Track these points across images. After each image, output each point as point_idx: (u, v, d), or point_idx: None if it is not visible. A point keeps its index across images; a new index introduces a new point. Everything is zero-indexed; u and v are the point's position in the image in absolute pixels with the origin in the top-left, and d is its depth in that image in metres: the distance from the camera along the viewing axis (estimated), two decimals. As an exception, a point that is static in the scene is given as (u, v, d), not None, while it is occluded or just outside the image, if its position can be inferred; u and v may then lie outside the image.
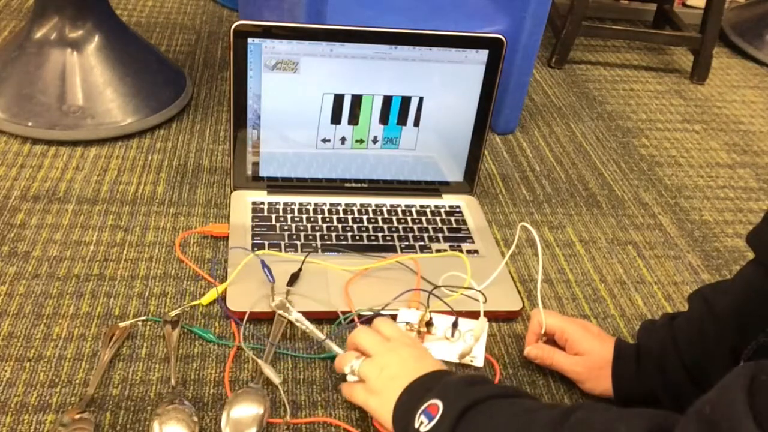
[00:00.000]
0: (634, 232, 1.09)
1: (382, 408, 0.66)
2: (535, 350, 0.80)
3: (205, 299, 0.85)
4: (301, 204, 1.00)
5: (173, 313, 0.82)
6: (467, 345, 0.81)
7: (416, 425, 0.61)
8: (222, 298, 0.85)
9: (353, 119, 0.98)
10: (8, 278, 0.86)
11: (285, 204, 1.00)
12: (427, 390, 0.63)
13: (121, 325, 0.80)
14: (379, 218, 1.00)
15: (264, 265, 0.86)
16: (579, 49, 1.72)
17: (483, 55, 0.96)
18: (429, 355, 0.71)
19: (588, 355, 0.77)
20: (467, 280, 0.89)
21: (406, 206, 1.03)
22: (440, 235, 0.98)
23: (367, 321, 0.84)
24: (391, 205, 1.02)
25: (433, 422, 0.60)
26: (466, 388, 0.62)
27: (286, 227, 0.96)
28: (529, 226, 0.88)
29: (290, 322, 0.81)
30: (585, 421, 0.53)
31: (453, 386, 0.63)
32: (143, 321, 0.82)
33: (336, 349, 0.78)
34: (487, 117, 1.01)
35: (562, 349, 0.80)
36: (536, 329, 0.81)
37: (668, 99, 1.55)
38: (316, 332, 0.80)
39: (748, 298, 0.66)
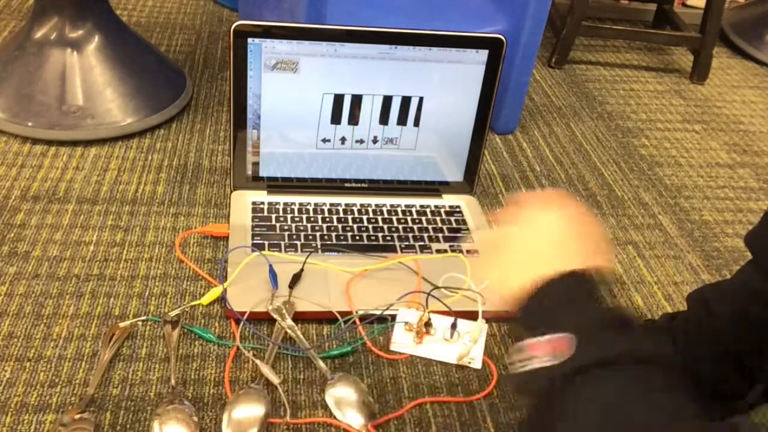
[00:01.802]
0: (634, 232, 1.09)
1: (507, 283, 0.56)
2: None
3: (205, 299, 0.85)
4: (301, 204, 1.00)
5: (173, 313, 0.82)
6: (466, 347, 0.81)
7: (535, 339, 0.52)
8: (222, 298, 0.85)
9: (353, 119, 0.98)
10: (8, 278, 0.86)
11: (285, 204, 1.00)
12: (564, 324, 0.52)
13: (121, 325, 0.80)
14: (379, 218, 1.00)
15: (271, 270, 0.86)
16: (579, 49, 1.72)
17: (483, 55, 0.96)
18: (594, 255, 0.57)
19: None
20: (467, 282, 0.89)
21: (406, 206, 1.03)
22: (440, 235, 0.98)
23: (369, 322, 0.84)
24: (391, 205, 1.02)
25: (556, 360, 0.50)
26: (604, 341, 0.51)
27: (286, 227, 0.96)
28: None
29: (294, 321, 0.81)
30: None
31: (595, 336, 0.51)
32: (143, 321, 0.82)
33: (320, 363, 0.78)
34: (487, 117, 1.01)
35: None
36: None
37: (668, 99, 1.55)
38: (304, 343, 0.80)
39: (746, 301, 0.66)
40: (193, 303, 0.85)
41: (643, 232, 1.09)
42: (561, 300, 0.54)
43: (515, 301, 0.56)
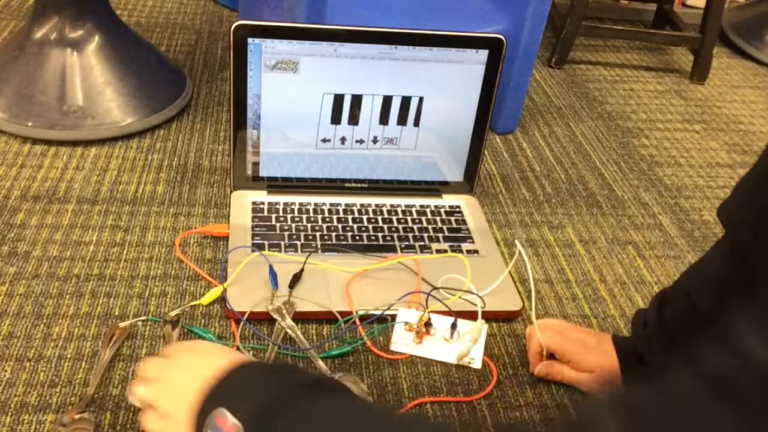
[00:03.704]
0: (634, 232, 1.09)
1: (178, 429, 0.54)
2: (544, 369, 0.80)
3: (205, 299, 0.85)
4: (301, 204, 1.00)
5: (173, 313, 0.82)
6: (465, 347, 0.81)
7: None
8: (222, 298, 0.85)
9: (353, 119, 0.98)
10: (8, 278, 0.86)
11: (285, 204, 1.00)
12: (213, 399, 0.52)
13: (121, 325, 0.80)
14: (379, 218, 1.00)
15: (271, 270, 0.86)
16: (579, 49, 1.72)
17: (483, 55, 0.96)
18: (219, 350, 0.60)
19: (596, 371, 0.77)
20: (467, 283, 0.89)
21: (406, 206, 1.03)
22: (440, 235, 0.98)
23: (369, 322, 0.84)
24: (391, 205, 1.02)
25: None
26: (262, 377, 0.53)
27: (286, 227, 0.96)
28: (519, 245, 0.88)
29: (294, 321, 0.81)
30: None
31: (244, 381, 0.53)
32: (143, 321, 0.82)
33: (320, 364, 0.78)
34: (487, 117, 1.01)
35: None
36: (536, 348, 0.80)
37: (668, 99, 1.55)
38: (304, 343, 0.80)
39: (727, 287, 0.65)
40: (193, 303, 0.85)
41: (643, 232, 1.09)
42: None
43: None
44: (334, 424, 0.49)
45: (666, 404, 0.36)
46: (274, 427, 0.49)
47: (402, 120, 0.99)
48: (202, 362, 0.57)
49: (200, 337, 0.80)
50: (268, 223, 0.96)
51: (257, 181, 1.01)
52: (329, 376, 0.72)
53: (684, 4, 1.95)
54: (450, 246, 0.96)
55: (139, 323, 0.82)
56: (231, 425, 0.50)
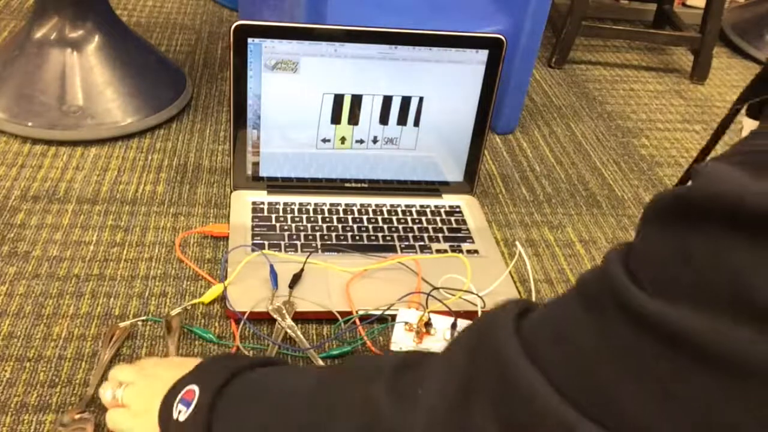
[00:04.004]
0: (634, 232, 1.09)
1: (148, 426, 0.60)
2: None
3: (206, 297, 0.84)
4: (301, 204, 1.00)
5: (174, 312, 0.82)
6: (467, 345, 0.81)
7: (174, 416, 0.57)
8: (223, 298, 0.85)
9: (353, 119, 0.98)
10: (8, 278, 0.86)
11: (285, 204, 1.00)
12: (184, 382, 0.60)
13: (121, 325, 0.80)
14: (379, 218, 1.00)
15: (272, 270, 0.86)
16: (579, 49, 1.72)
17: (483, 55, 0.96)
18: (193, 361, 0.64)
19: None
20: (467, 283, 0.89)
21: (406, 206, 1.03)
22: (440, 235, 0.98)
23: (369, 322, 0.84)
24: (391, 205, 1.02)
25: (191, 408, 0.56)
26: (224, 360, 0.60)
27: (286, 227, 0.96)
28: (519, 245, 0.88)
29: (294, 321, 0.81)
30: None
31: (209, 364, 0.61)
32: (143, 321, 0.82)
33: (320, 363, 0.78)
34: (487, 117, 1.01)
35: None
36: None
37: (668, 99, 1.55)
38: (304, 343, 0.80)
39: None
40: (194, 301, 0.85)
41: (643, 232, 1.09)
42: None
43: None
44: (277, 380, 0.57)
45: (546, 306, 0.42)
46: (242, 391, 0.56)
47: (402, 120, 0.99)
48: (175, 370, 0.62)
49: (200, 337, 0.80)
50: (268, 223, 0.96)
51: (257, 181, 1.01)
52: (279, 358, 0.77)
53: (684, 4, 1.95)
54: (450, 246, 0.96)
55: (139, 323, 0.82)
56: (189, 390, 0.58)
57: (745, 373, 0.29)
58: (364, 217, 0.99)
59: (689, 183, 0.34)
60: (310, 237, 0.95)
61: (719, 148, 1.39)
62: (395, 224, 0.99)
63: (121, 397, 0.65)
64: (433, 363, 0.46)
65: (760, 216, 0.30)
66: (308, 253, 0.91)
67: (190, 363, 0.63)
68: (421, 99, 0.98)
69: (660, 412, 0.32)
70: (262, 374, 0.58)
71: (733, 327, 0.30)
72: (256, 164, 1.00)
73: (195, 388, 0.57)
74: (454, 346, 0.46)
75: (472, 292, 0.87)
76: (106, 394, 0.66)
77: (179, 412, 0.57)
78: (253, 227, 0.95)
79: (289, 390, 0.55)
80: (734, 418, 0.30)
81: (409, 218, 1.00)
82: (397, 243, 0.96)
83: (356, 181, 1.04)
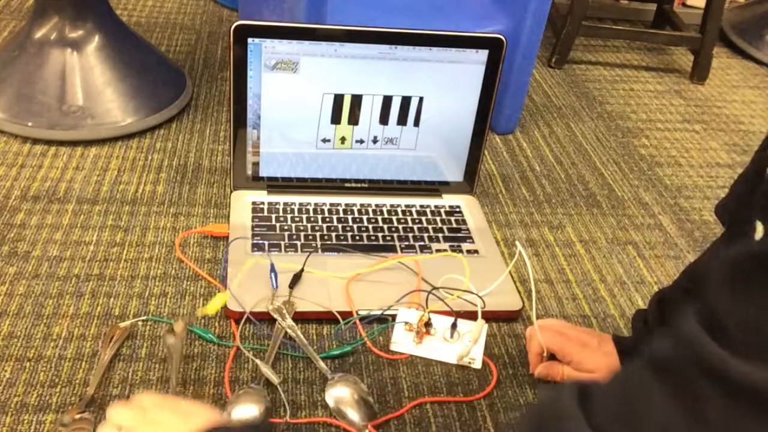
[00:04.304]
0: (634, 232, 1.09)
1: None
2: (545, 370, 0.79)
3: (211, 309, 0.82)
4: (301, 204, 1.00)
5: (179, 326, 0.79)
6: (465, 347, 0.81)
7: None
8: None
9: (353, 119, 0.98)
10: (8, 278, 0.86)
11: (285, 204, 1.00)
12: None
13: (121, 325, 0.80)
14: (379, 218, 1.00)
15: (272, 270, 0.86)
16: (579, 49, 1.72)
17: (483, 55, 0.96)
18: (198, 411, 0.62)
19: (597, 372, 0.77)
20: (465, 282, 0.89)
21: (406, 206, 1.03)
22: (440, 235, 0.98)
23: (369, 322, 0.84)
24: (391, 205, 1.02)
25: None
26: None
27: (286, 227, 0.96)
28: (519, 245, 0.87)
29: (294, 321, 0.81)
30: None
31: None
32: (143, 321, 0.82)
33: (320, 364, 0.78)
34: (487, 117, 1.01)
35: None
36: (536, 350, 0.80)
37: (668, 99, 1.55)
38: (305, 343, 0.80)
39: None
40: (200, 315, 0.83)
41: (643, 232, 1.09)
42: None
43: None
44: None
45: (612, 385, 0.39)
46: None
47: (402, 120, 0.99)
48: (180, 419, 0.58)
49: (200, 337, 0.80)
50: (268, 223, 0.96)
51: (257, 181, 1.01)
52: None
53: (684, 4, 1.95)
54: (450, 246, 0.96)
55: (140, 323, 0.82)
56: None
57: None
58: (364, 217, 0.99)
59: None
60: (310, 237, 0.95)
61: (718, 146, 1.38)
62: (395, 224, 0.99)
63: None
64: None
65: None
66: (308, 253, 0.91)
67: (195, 412, 0.60)
68: (421, 99, 0.98)
69: None
70: None
71: None
72: (256, 164, 1.00)
73: None
74: (517, 427, 0.42)
75: (472, 292, 0.87)
76: None
77: None
78: (253, 227, 0.95)
79: None
80: None
81: (409, 218, 1.00)
82: (397, 243, 0.96)
83: (356, 181, 1.04)
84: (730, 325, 0.32)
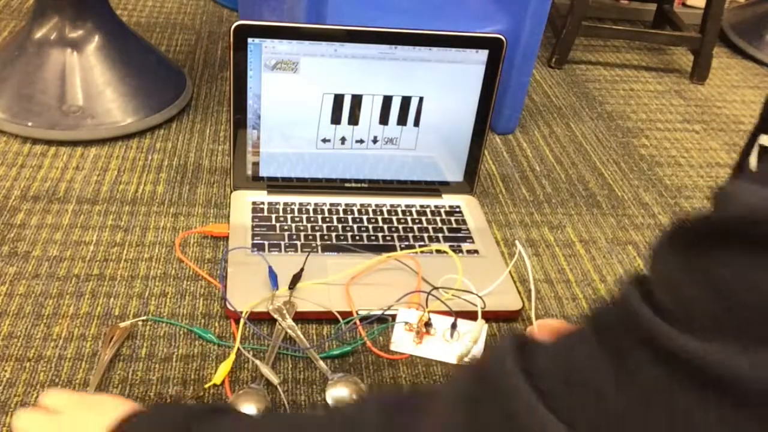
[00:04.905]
0: (634, 232, 1.09)
1: None
2: None
3: (218, 378, 0.76)
4: (301, 204, 1.00)
5: (122, 324, 0.79)
6: (465, 347, 0.81)
7: None
8: (223, 298, 0.85)
9: (353, 119, 0.98)
10: (8, 278, 0.86)
11: (285, 204, 1.00)
12: None
13: (121, 325, 0.80)
14: (379, 218, 1.00)
15: (271, 272, 0.86)
16: (579, 49, 1.72)
17: (483, 55, 0.96)
18: (111, 402, 0.58)
19: None
20: (458, 281, 0.89)
21: (406, 206, 1.03)
22: (440, 235, 0.98)
23: (369, 322, 0.84)
24: (391, 205, 1.02)
25: None
26: (159, 420, 0.54)
27: (286, 227, 0.96)
28: (519, 245, 0.87)
29: (294, 321, 0.81)
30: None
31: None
32: (143, 321, 0.82)
33: (320, 364, 0.78)
34: (487, 117, 1.01)
35: None
36: None
37: (668, 99, 1.55)
38: (305, 343, 0.80)
39: None
40: (207, 384, 0.76)
41: (643, 232, 1.09)
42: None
43: None
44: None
45: (553, 343, 0.37)
46: None
47: (402, 120, 0.99)
48: (96, 414, 0.56)
49: (200, 337, 0.80)
50: (268, 223, 0.96)
51: (257, 181, 1.01)
52: (224, 403, 0.72)
53: (684, 4, 1.95)
54: (450, 246, 0.96)
55: (140, 323, 0.82)
56: None
57: None
58: (364, 217, 0.99)
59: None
60: (310, 237, 0.95)
61: (718, 146, 1.38)
62: (395, 224, 0.99)
63: None
64: (427, 415, 0.40)
65: None
66: (308, 253, 0.91)
67: (108, 404, 0.57)
68: (421, 99, 0.98)
69: None
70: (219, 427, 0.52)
71: None
72: (256, 164, 1.00)
73: None
74: (449, 393, 0.41)
75: (472, 292, 0.87)
76: None
77: None
78: (253, 227, 0.95)
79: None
80: None
81: (409, 218, 1.00)
82: (397, 243, 0.96)
83: (356, 181, 1.04)
84: (660, 290, 0.32)
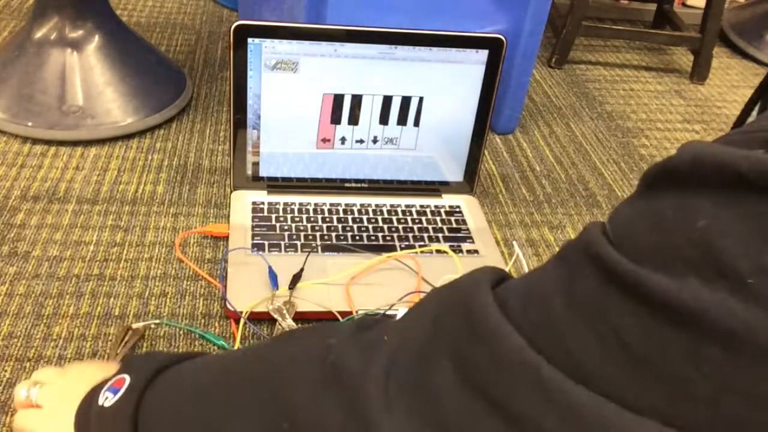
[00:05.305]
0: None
1: (60, 429, 0.56)
2: None
3: None
4: (301, 204, 1.00)
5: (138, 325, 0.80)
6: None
7: (100, 401, 0.53)
8: (223, 298, 0.85)
9: (353, 119, 0.98)
10: (8, 278, 0.86)
11: (285, 204, 1.00)
12: (114, 375, 0.56)
13: (134, 326, 0.80)
14: (379, 218, 1.00)
15: (271, 272, 0.86)
16: (579, 49, 1.72)
17: (483, 55, 0.96)
18: (115, 365, 0.61)
19: None
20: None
21: (406, 206, 1.03)
22: (440, 235, 0.98)
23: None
24: (391, 205, 1.02)
25: (119, 394, 0.52)
26: (158, 354, 0.57)
27: (286, 227, 0.96)
28: (516, 246, 0.87)
29: (294, 321, 0.81)
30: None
31: (143, 357, 0.58)
32: (156, 324, 0.81)
33: None
34: (487, 117, 1.01)
35: None
36: None
37: (668, 99, 1.55)
38: None
39: None
40: None
41: (643, 232, 1.09)
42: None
43: None
44: (219, 357, 0.55)
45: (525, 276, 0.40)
46: (174, 378, 0.53)
47: (402, 120, 0.99)
48: (96, 371, 0.59)
49: (201, 337, 0.80)
50: (268, 223, 0.96)
51: (257, 181, 1.01)
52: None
53: (684, 4, 1.95)
54: (450, 246, 0.96)
55: (152, 325, 0.81)
56: (120, 378, 0.54)
57: (707, 330, 0.29)
58: (364, 217, 0.99)
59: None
60: (310, 237, 0.95)
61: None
62: (395, 224, 0.99)
63: (35, 397, 0.60)
64: (399, 320, 0.43)
65: (723, 173, 0.29)
66: (308, 253, 0.91)
67: (113, 366, 0.59)
68: (421, 99, 0.98)
69: (613, 361, 0.31)
70: (202, 359, 0.55)
71: (701, 287, 0.29)
72: (256, 164, 1.00)
73: (126, 376, 0.53)
74: (423, 302, 0.44)
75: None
76: (20, 392, 0.61)
77: (105, 398, 0.53)
78: (253, 227, 0.95)
79: (234, 356, 0.53)
80: (687, 373, 0.29)
81: (409, 218, 1.00)
82: (397, 243, 0.96)
83: (356, 181, 1.04)
84: (616, 221, 0.35)
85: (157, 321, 0.82)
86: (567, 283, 0.35)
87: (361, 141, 1.00)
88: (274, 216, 0.97)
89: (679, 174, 0.33)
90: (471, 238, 0.99)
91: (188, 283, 0.88)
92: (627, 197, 0.37)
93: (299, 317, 0.83)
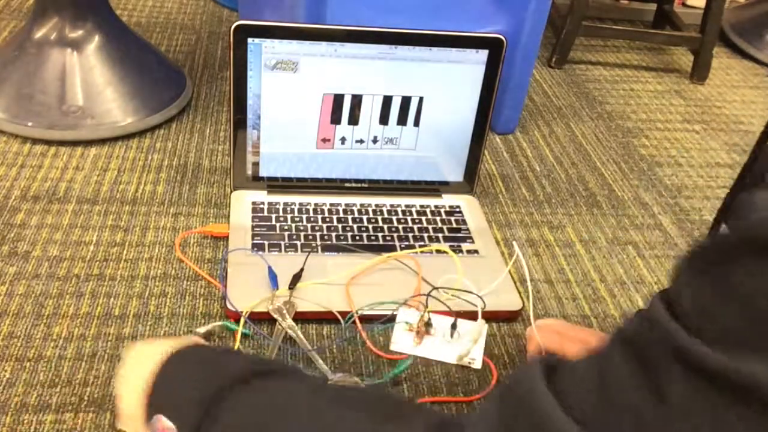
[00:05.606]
0: (634, 232, 1.09)
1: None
2: None
3: None
4: (301, 204, 1.00)
5: (202, 330, 0.80)
6: (465, 347, 0.81)
7: None
8: (223, 298, 0.85)
9: (353, 119, 0.98)
10: (8, 278, 0.86)
11: (285, 204, 1.00)
12: (154, 398, 0.55)
13: (199, 331, 0.79)
14: (379, 218, 1.00)
15: (271, 272, 0.86)
16: (579, 49, 1.72)
17: (483, 55, 0.96)
18: (163, 341, 0.62)
19: None
20: (458, 281, 0.89)
21: (406, 206, 1.03)
22: (440, 235, 0.98)
23: (369, 322, 0.84)
24: (391, 205, 1.02)
25: None
26: (202, 380, 0.54)
27: (286, 227, 0.96)
28: (516, 246, 0.87)
29: (294, 321, 0.81)
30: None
31: (180, 389, 0.55)
32: (219, 327, 0.81)
33: (320, 364, 0.78)
34: (487, 117, 1.01)
35: None
36: (536, 352, 0.79)
37: (668, 99, 1.55)
38: (305, 343, 0.80)
39: None
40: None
41: (643, 232, 1.09)
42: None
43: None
44: (273, 410, 0.49)
45: (582, 361, 0.38)
46: (213, 423, 0.49)
47: (402, 120, 0.99)
48: (145, 356, 0.58)
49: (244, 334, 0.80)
50: (268, 223, 0.96)
51: (257, 181, 1.01)
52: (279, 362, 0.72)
53: (684, 4, 1.95)
54: (450, 246, 0.96)
55: (216, 329, 0.81)
56: (167, 428, 0.52)
57: None
58: (364, 217, 0.99)
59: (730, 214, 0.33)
60: (310, 237, 0.95)
61: (718, 146, 1.38)
62: (395, 224, 0.99)
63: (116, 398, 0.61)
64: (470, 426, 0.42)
65: None
66: (308, 253, 0.91)
67: (162, 342, 0.60)
68: (421, 99, 0.98)
69: None
70: (258, 392, 0.52)
71: None
72: (256, 164, 1.00)
73: (163, 421, 0.52)
74: (488, 409, 0.42)
75: (473, 292, 0.87)
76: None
77: None
78: (253, 227, 0.95)
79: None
80: None
81: (409, 218, 1.00)
82: (397, 243, 0.96)
83: (356, 181, 1.04)
84: (686, 306, 0.33)
85: (219, 323, 0.80)
86: (651, 386, 0.32)
87: (361, 141, 1.00)
88: (274, 216, 0.97)
89: (741, 247, 0.30)
90: (471, 238, 0.99)
91: (188, 283, 0.88)
92: (687, 270, 0.34)
93: (299, 317, 0.83)
